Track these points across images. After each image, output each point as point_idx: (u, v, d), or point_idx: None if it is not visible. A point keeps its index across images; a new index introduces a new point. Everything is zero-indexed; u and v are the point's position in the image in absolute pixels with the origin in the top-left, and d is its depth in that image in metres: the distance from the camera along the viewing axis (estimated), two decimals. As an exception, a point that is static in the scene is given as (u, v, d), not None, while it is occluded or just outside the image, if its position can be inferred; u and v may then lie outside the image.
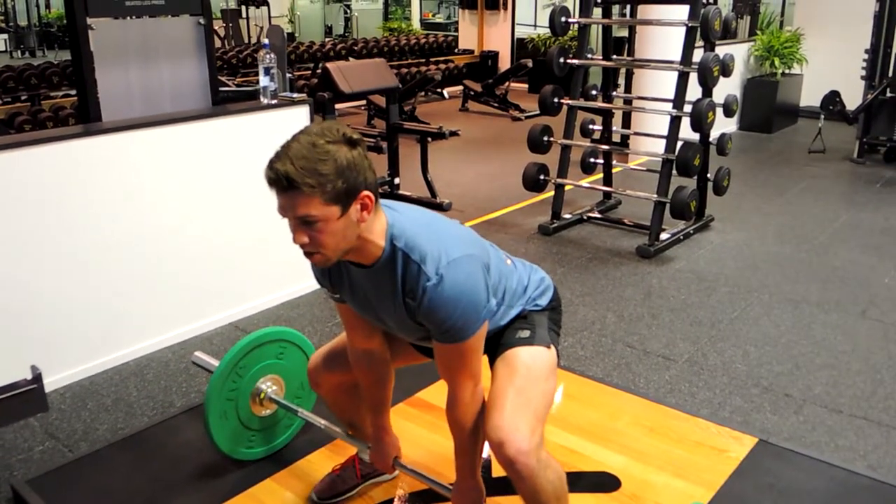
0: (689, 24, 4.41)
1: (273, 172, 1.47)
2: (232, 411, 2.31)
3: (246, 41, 12.69)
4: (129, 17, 3.40)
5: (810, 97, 8.13)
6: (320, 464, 2.38)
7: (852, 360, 3.21)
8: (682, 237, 4.65)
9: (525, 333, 1.82)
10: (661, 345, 3.35)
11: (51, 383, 2.89)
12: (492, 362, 1.83)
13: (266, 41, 3.47)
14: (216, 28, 10.44)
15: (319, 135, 1.49)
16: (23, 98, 7.70)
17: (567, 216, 4.99)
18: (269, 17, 13.53)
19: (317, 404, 2.45)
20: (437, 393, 2.67)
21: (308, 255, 1.56)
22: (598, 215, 5.11)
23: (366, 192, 1.53)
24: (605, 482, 2.31)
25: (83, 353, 3.03)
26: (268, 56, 3.44)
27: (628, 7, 5.82)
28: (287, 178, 1.45)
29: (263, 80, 3.48)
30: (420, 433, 2.51)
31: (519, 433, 1.64)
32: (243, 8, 13.66)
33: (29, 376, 2.78)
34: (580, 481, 2.28)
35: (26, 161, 2.76)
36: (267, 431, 2.43)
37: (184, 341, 3.32)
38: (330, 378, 2.09)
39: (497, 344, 1.83)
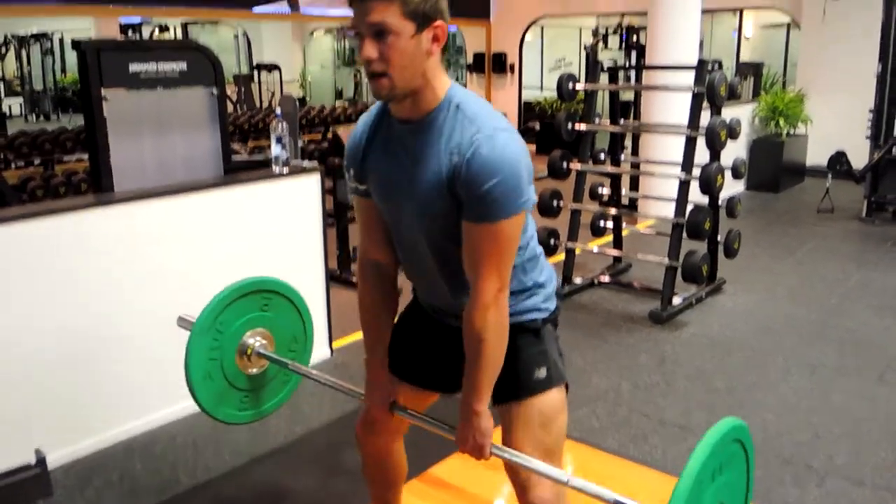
0: (696, 91, 4.46)
1: None
2: (217, 371, 2.10)
3: (258, 105, 12.92)
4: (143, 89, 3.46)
5: (815, 156, 8.20)
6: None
7: (873, 428, 3.13)
8: (694, 301, 4.61)
9: (542, 373, 1.75)
10: (678, 414, 3.28)
11: (55, 459, 2.83)
12: (506, 398, 1.75)
13: (279, 110, 3.53)
14: (228, 93, 10.63)
15: None
16: (36, 163, 7.81)
17: (578, 281, 4.96)
18: (281, 82, 13.79)
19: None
20: (452, 469, 2.61)
21: (374, 76, 1.52)
22: (609, 280, 5.09)
23: (441, 22, 1.53)
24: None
25: (89, 428, 2.98)
26: (280, 125, 3.48)
27: (633, 72, 5.90)
28: None
29: (275, 150, 3.52)
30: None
31: (542, 483, 1.71)
32: (255, 72, 13.94)
33: (33, 460, 2.71)
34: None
35: (36, 232, 2.76)
36: (260, 391, 2.22)
37: (189, 416, 3.26)
38: (374, 441, 2.01)
39: (514, 374, 1.73)
